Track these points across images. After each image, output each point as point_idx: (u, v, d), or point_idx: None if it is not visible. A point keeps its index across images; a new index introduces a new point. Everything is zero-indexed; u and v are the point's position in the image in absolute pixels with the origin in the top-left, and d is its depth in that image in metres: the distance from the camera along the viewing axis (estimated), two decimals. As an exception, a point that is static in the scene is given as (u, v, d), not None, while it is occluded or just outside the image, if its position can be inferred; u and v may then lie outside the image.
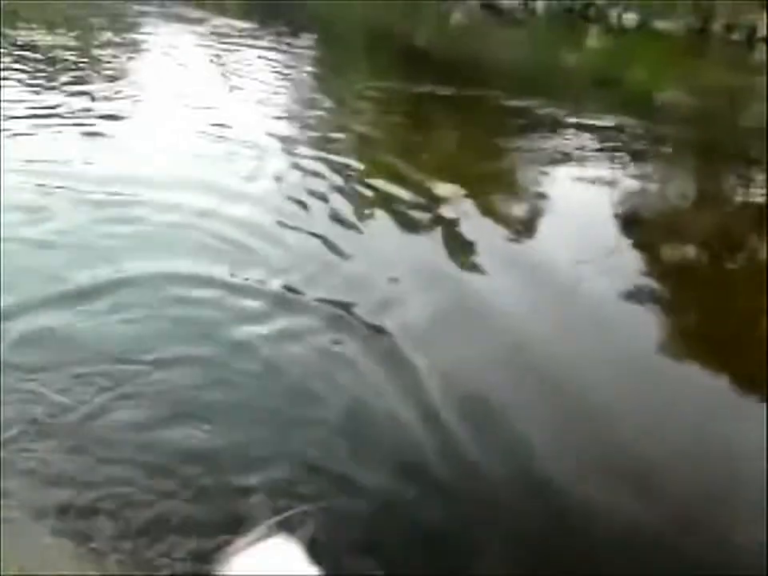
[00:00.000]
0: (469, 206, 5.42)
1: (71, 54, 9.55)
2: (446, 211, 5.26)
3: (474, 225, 5.11)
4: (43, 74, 8.31)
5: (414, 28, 14.46)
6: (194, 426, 2.80)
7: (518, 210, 5.82)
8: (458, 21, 16.76)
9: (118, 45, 11.03)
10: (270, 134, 6.75)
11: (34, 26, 11.30)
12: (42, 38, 10.65)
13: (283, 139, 6.62)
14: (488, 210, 5.47)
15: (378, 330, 3.60)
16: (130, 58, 10.23)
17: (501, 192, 6.15)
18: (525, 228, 5.29)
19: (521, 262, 4.61)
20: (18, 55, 9.23)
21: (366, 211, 5.23)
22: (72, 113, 6.82)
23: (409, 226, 5.01)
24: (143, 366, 3.12)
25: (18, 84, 7.85)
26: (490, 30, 15.15)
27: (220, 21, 13.06)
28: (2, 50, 9.41)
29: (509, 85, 9.62)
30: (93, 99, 7.53)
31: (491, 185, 6.18)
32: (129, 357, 3.18)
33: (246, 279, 3.97)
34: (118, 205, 4.85)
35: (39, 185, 5.02)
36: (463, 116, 7.98)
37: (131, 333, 3.40)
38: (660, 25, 15.07)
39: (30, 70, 8.45)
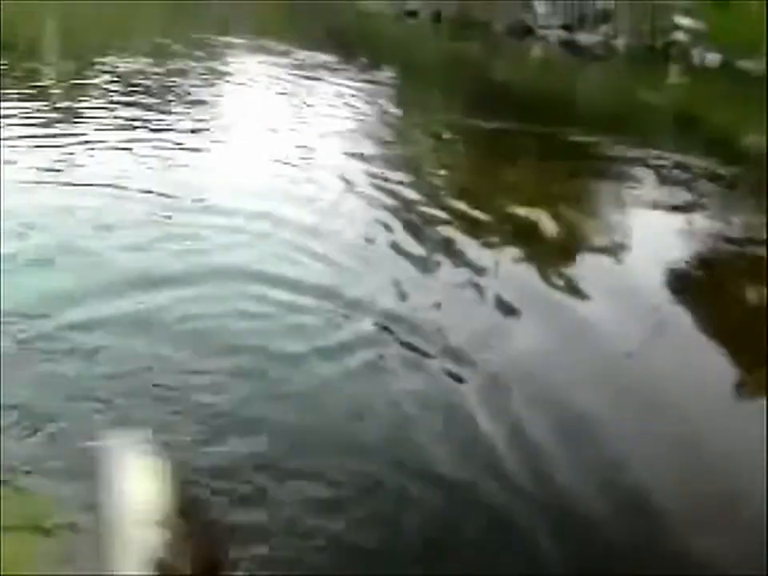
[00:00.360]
0: (558, 235, 5.52)
1: (156, 81, 9.95)
2: (535, 243, 5.37)
3: (565, 254, 5.24)
4: (128, 102, 8.68)
5: (493, 63, 14.55)
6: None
7: (606, 241, 5.89)
8: (537, 57, 16.80)
9: (203, 74, 11.43)
10: (352, 168, 6.91)
11: (125, 54, 11.79)
12: (128, 65, 11.12)
13: (365, 172, 6.77)
14: (577, 239, 5.59)
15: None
16: (215, 88, 10.58)
17: (586, 224, 6.20)
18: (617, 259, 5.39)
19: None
20: (107, 81, 9.67)
21: (453, 240, 5.36)
22: (155, 141, 7.10)
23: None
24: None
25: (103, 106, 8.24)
26: (569, 67, 15.15)
27: (304, 54, 13.39)
28: (90, 76, 9.88)
29: (588, 121, 9.62)
30: (178, 129, 7.85)
31: (575, 216, 6.23)
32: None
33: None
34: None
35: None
36: (545, 152, 8.01)
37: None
38: (743, 64, 14.82)
39: (116, 99, 8.84)
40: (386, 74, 12.25)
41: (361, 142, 7.97)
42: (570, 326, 4.31)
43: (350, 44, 15.27)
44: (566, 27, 17.94)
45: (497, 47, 16.97)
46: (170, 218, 5.32)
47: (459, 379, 3.62)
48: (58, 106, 8.61)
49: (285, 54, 13.36)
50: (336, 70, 12.22)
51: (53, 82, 10.46)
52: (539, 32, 18.25)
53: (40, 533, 2.23)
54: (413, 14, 21.16)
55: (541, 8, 18.37)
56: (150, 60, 11.85)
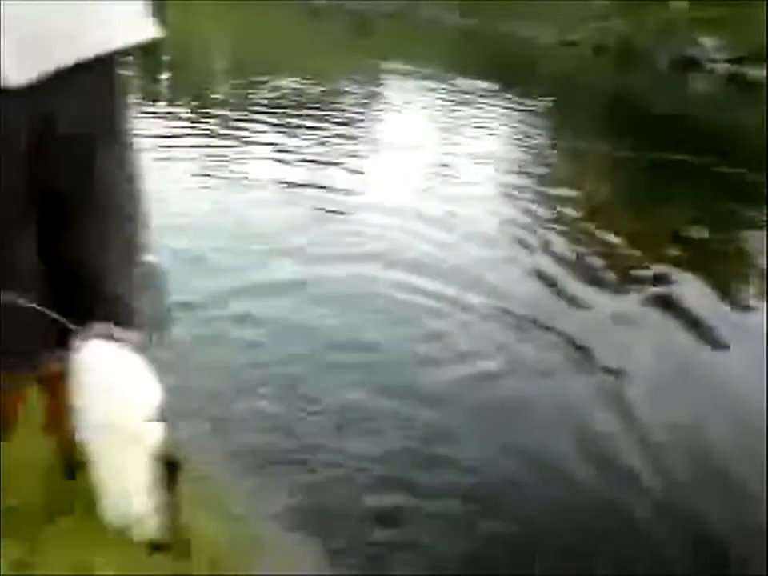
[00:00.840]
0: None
1: (316, 101, 10.32)
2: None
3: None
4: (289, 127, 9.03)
5: (656, 96, 14.18)
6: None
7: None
8: (702, 90, 16.27)
9: (361, 98, 11.77)
10: (512, 204, 6.87)
11: (287, 73, 12.30)
12: (290, 84, 11.59)
13: (526, 210, 6.68)
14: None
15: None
16: (372, 113, 10.85)
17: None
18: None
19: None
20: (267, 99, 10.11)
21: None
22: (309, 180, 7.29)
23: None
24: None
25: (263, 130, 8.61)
26: (737, 101, 14.55)
27: (461, 81, 13.53)
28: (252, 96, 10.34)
29: (754, 156, 9.24)
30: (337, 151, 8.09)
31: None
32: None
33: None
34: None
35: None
36: (707, 187, 7.76)
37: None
38: None
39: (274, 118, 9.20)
40: (544, 103, 12.19)
41: (518, 174, 7.96)
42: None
43: (508, 72, 15.28)
44: (734, 61, 17.31)
45: (660, 79, 16.56)
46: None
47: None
48: (224, 122, 9.07)
49: (441, 78, 13.55)
50: (493, 97, 12.29)
51: (220, 96, 11.05)
52: (706, 65, 17.68)
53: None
54: (572, 43, 21.00)
55: (708, 41, 17.80)
56: (312, 80, 12.31)
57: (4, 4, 1.40)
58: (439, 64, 15.57)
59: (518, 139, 9.51)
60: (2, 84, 1.42)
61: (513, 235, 5.93)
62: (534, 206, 6.69)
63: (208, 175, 6.72)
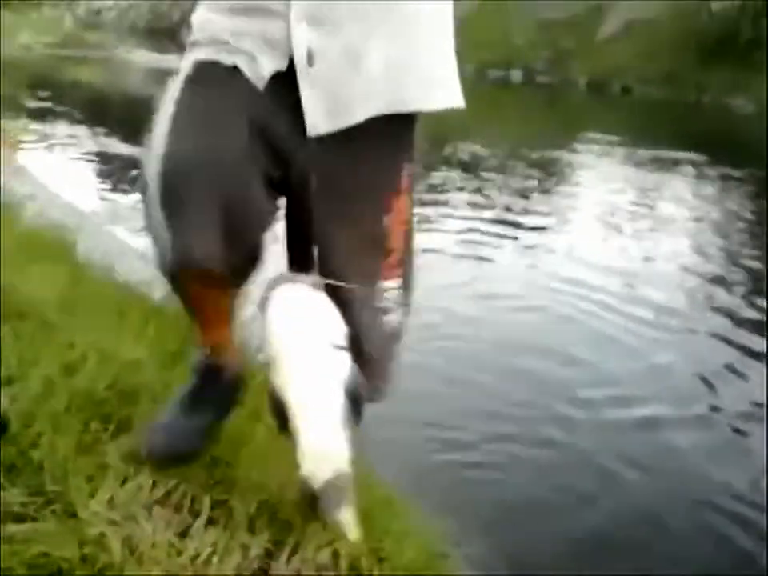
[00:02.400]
0: None
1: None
2: None
3: None
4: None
5: None
6: None
7: None
8: None
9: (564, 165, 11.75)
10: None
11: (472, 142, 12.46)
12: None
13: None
14: None
15: None
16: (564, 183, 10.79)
17: None
18: None
19: None
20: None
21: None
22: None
23: None
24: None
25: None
26: None
27: (668, 153, 13.13)
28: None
29: None
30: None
31: None
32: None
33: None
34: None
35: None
36: None
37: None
38: None
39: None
40: (738, 173, 11.53)
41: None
42: None
43: (718, 144, 14.67)
44: None
45: None
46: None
47: None
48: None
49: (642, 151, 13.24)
50: (700, 168, 11.89)
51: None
52: None
53: None
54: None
55: None
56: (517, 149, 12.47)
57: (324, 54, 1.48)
58: (640, 133, 15.27)
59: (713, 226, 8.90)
60: (311, 132, 1.51)
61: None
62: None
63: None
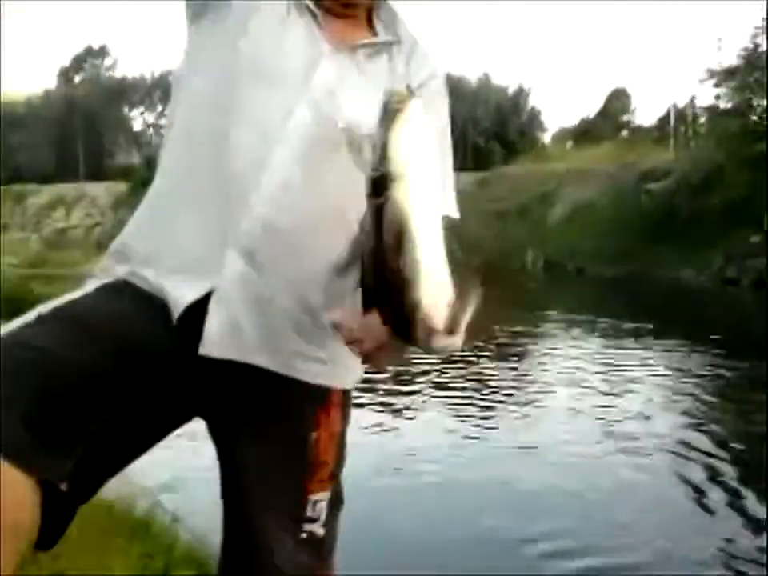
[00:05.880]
0: None
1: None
2: None
3: None
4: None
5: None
6: None
7: None
8: None
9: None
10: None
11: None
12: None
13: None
14: None
15: None
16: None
17: None
18: None
19: None
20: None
21: None
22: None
23: None
24: None
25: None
26: None
27: (623, 324, 13.49)
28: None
29: None
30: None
31: None
32: None
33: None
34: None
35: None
36: None
37: None
38: None
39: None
40: (704, 350, 11.77)
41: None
42: None
43: (664, 314, 15.15)
44: None
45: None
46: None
47: None
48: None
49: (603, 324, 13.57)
50: (646, 341, 12.21)
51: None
52: None
53: None
54: (731, 282, 20.80)
55: None
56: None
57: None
58: (597, 311, 15.71)
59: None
60: (201, 351, 1.45)
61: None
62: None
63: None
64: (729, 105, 26.45)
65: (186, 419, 1.63)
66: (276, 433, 1.58)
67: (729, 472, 5.91)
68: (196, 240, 1.49)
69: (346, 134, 1.50)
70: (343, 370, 1.63)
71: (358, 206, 1.43)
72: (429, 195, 1.30)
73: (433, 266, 1.30)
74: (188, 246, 1.49)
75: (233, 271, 1.46)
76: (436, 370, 9.48)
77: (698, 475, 5.83)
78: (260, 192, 1.46)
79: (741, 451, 6.58)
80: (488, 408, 7.98)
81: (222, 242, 1.46)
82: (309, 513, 1.61)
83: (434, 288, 1.30)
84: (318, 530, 1.62)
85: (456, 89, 42.67)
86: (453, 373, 9.50)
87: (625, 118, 57.55)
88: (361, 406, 7.34)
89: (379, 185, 1.26)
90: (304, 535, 1.60)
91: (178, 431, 1.60)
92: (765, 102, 24.69)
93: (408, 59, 1.60)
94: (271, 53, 1.50)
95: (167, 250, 1.51)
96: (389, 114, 1.27)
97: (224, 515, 1.64)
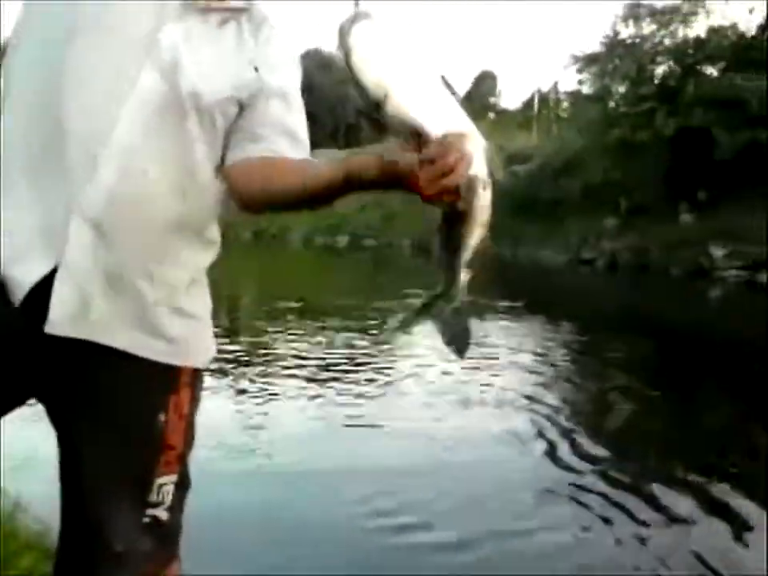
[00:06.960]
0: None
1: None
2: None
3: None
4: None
5: (672, 311, 14.44)
6: None
7: None
8: (716, 297, 16.63)
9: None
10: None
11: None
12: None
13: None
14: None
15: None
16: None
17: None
18: None
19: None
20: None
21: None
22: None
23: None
24: None
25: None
26: (754, 307, 14.79)
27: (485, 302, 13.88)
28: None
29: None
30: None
31: None
32: None
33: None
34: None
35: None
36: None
37: None
38: None
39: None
40: (561, 326, 12.34)
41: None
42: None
43: (522, 295, 15.70)
44: (746, 268, 17.84)
45: (674, 292, 16.95)
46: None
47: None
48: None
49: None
50: (508, 320, 12.63)
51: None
52: (716, 274, 18.22)
53: None
54: (587, 262, 21.79)
55: (717, 252, 18.44)
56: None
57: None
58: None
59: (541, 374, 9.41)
60: (46, 329, 1.43)
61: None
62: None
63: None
64: (591, 91, 27.54)
65: (22, 401, 1.56)
66: (118, 414, 1.54)
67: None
68: (36, 212, 1.42)
69: (194, 99, 1.45)
70: (194, 349, 1.60)
71: (204, 172, 1.39)
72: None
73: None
74: (29, 219, 1.43)
75: (79, 244, 1.40)
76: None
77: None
78: (104, 158, 1.40)
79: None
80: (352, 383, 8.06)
81: (64, 213, 1.40)
82: (153, 497, 1.57)
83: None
84: (162, 513, 1.59)
85: (329, 65, 42.51)
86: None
87: (492, 100, 58.98)
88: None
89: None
90: (147, 519, 1.57)
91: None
92: (622, 89, 25.83)
93: (256, 31, 1.57)
94: (117, 10, 1.44)
95: (6, 224, 1.44)
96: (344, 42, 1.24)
97: (62, 500, 1.58)
